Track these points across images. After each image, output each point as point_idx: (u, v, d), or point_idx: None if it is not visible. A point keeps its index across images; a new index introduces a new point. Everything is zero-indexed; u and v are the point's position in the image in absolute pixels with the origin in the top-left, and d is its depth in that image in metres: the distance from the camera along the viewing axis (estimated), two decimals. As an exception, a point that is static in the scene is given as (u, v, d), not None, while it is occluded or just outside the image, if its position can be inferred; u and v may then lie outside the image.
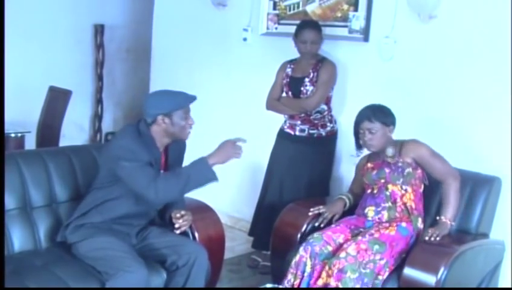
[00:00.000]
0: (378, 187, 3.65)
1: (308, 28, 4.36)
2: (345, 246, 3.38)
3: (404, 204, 3.57)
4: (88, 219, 3.24)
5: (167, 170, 3.36)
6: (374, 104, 3.67)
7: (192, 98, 3.26)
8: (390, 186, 3.60)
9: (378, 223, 3.57)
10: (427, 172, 3.62)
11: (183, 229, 3.35)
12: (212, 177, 3.18)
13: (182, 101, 3.24)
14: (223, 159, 3.22)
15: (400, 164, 3.58)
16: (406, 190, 3.58)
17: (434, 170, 3.59)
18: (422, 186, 3.65)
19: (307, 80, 4.37)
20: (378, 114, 3.59)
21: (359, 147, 3.72)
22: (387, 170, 3.61)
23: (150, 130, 3.25)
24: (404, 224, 3.52)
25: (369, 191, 3.72)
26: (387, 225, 3.52)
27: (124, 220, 3.27)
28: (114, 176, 3.19)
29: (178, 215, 3.35)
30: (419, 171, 3.61)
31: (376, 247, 3.35)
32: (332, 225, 3.64)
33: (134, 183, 3.13)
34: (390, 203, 3.59)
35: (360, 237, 3.40)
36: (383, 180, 3.62)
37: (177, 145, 3.41)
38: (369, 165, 3.75)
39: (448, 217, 3.50)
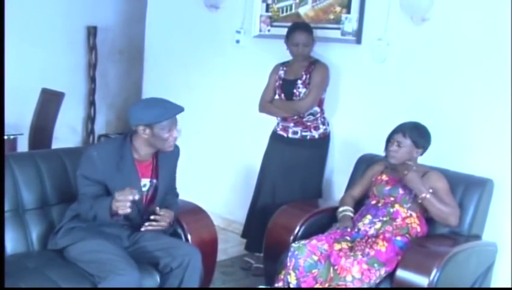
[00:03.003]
0: (384, 202, 3.65)
1: (300, 31, 4.37)
2: (346, 264, 3.30)
3: (407, 225, 3.55)
4: (78, 222, 3.24)
5: (158, 177, 3.34)
6: (418, 122, 3.65)
7: (177, 110, 3.19)
8: (397, 205, 3.60)
9: (366, 236, 3.54)
10: None
11: (149, 228, 3.28)
12: (107, 220, 3.17)
13: (163, 113, 3.15)
14: (118, 210, 3.11)
15: (414, 191, 3.57)
16: (410, 215, 3.58)
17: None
18: (426, 214, 3.63)
19: (299, 82, 4.37)
20: (414, 132, 3.59)
21: (386, 154, 3.69)
22: (401, 191, 3.60)
23: (133, 140, 3.24)
24: (399, 238, 3.50)
25: (373, 202, 3.70)
26: (373, 238, 3.50)
27: (114, 222, 3.25)
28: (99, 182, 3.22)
29: (157, 212, 3.29)
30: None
31: (376, 265, 3.34)
32: (320, 234, 3.61)
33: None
34: (388, 219, 3.58)
35: (359, 256, 3.34)
36: (392, 198, 3.62)
37: (170, 152, 3.34)
38: (384, 177, 3.73)
39: (429, 194, 3.47)
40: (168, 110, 3.18)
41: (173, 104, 3.21)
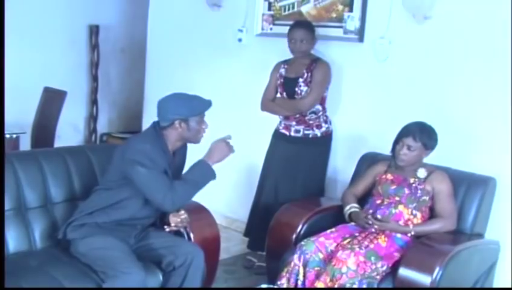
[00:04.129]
0: (389, 201, 3.65)
1: (297, 27, 4.39)
2: (342, 256, 3.33)
3: (409, 226, 3.56)
4: (93, 218, 3.23)
5: (174, 171, 3.35)
6: (425, 123, 3.64)
7: (209, 104, 3.28)
8: (401, 207, 3.59)
9: (367, 231, 3.57)
10: (434, 205, 3.61)
11: (174, 229, 3.35)
12: (213, 178, 3.27)
13: (199, 107, 3.26)
14: (221, 158, 3.29)
15: (419, 190, 3.58)
16: (415, 215, 3.58)
17: (441, 207, 3.58)
18: (429, 214, 3.64)
19: (301, 80, 4.37)
20: (425, 135, 3.58)
21: (393, 155, 3.68)
22: (406, 191, 3.60)
23: (163, 133, 3.25)
24: (399, 235, 3.52)
25: (378, 201, 3.70)
26: (374, 234, 3.53)
27: (129, 221, 3.27)
28: (125, 178, 3.18)
29: (176, 213, 3.34)
30: (432, 202, 3.61)
31: (373, 258, 3.35)
32: (328, 231, 3.63)
33: (151, 191, 3.15)
34: (389, 220, 3.59)
35: (356, 248, 3.37)
36: (397, 198, 3.62)
37: (182, 149, 3.41)
38: (388, 176, 3.73)
39: (413, 229, 3.53)
40: (201, 104, 3.28)
41: (201, 98, 3.31)
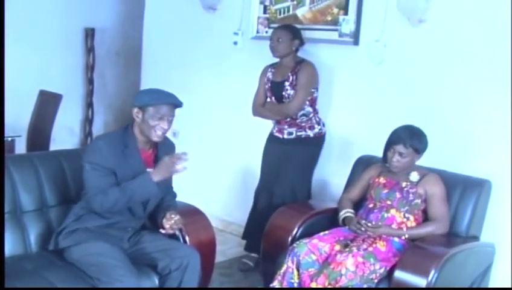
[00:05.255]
0: (380, 205, 3.65)
1: (276, 28, 4.50)
2: (341, 258, 3.34)
3: (402, 229, 3.56)
4: (82, 223, 3.22)
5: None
6: (413, 127, 3.63)
7: (171, 99, 3.19)
8: (393, 211, 3.60)
9: (366, 236, 3.57)
10: (427, 208, 3.62)
11: (170, 231, 3.31)
12: (154, 193, 3.21)
13: (157, 98, 3.17)
14: (164, 175, 3.19)
15: (411, 194, 3.59)
16: (408, 218, 3.59)
17: (434, 210, 3.58)
18: (423, 217, 3.64)
19: (287, 83, 4.37)
20: (415, 140, 3.57)
21: (385, 160, 3.69)
22: (398, 195, 3.60)
23: (133, 127, 3.24)
24: (396, 239, 3.52)
25: (370, 205, 3.70)
26: (371, 239, 3.52)
27: (119, 224, 3.26)
28: None
29: (169, 216, 3.29)
30: (425, 205, 3.62)
31: (372, 259, 3.36)
32: (321, 233, 3.63)
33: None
34: (381, 224, 3.59)
35: (355, 250, 3.38)
36: (389, 202, 3.62)
37: (166, 146, 3.36)
38: (381, 180, 3.73)
39: (407, 232, 3.54)
40: (161, 97, 3.19)
41: (174, 96, 3.22)
